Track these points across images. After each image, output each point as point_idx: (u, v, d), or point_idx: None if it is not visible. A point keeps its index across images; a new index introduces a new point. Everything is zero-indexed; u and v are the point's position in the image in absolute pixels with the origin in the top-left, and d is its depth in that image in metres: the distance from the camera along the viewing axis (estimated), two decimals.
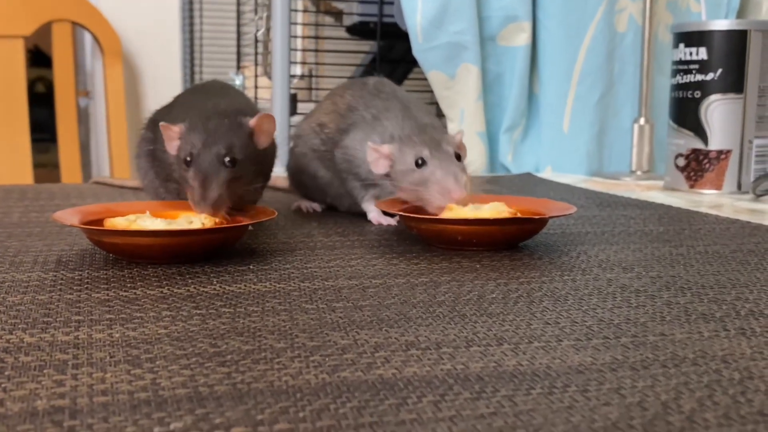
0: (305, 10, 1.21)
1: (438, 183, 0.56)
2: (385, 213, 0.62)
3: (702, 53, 0.86)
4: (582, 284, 0.44)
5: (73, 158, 1.77)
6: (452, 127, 1.07)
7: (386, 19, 1.20)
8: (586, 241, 0.57)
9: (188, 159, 0.52)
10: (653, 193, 0.88)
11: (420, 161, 0.58)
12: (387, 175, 0.60)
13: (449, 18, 1.02)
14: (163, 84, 1.91)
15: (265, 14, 1.21)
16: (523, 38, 1.05)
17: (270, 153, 0.58)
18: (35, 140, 1.67)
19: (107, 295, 0.41)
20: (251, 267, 0.48)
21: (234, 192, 0.51)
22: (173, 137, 0.54)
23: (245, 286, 0.43)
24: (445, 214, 0.53)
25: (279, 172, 0.91)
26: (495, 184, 0.96)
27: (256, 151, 0.54)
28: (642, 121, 1.06)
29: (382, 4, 1.16)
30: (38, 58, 2.55)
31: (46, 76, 2.62)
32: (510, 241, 0.54)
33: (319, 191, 0.70)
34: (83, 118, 1.96)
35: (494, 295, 0.41)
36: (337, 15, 1.29)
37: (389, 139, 0.61)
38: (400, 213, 0.54)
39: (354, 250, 0.53)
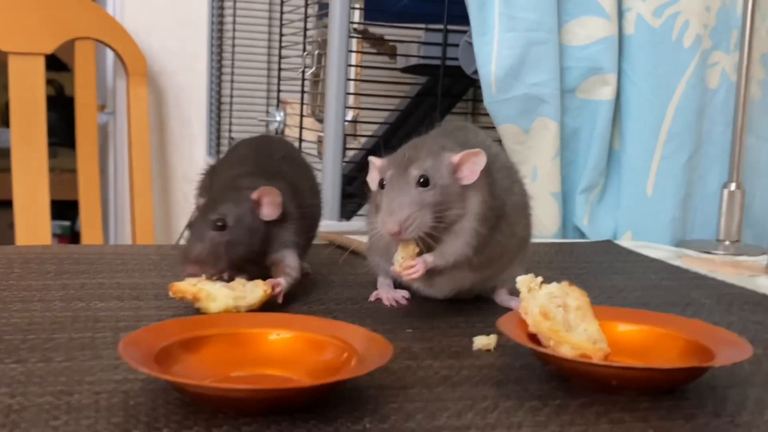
0: (360, 51, 1.11)
1: (380, 213, 0.53)
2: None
3: None
4: None
5: (92, 172, 1.67)
6: None
7: (430, 61, 1.11)
8: (751, 379, 0.47)
9: (189, 224, 0.58)
10: (763, 280, 0.78)
11: (382, 183, 0.54)
12: None
13: (528, 68, 0.92)
14: (188, 105, 1.82)
15: (316, 52, 1.12)
16: (607, 92, 0.96)
17: (288, 224, 0.60)
18: None
19: None
20: (367, 426, 0.38)
21: (229, 256, 0.56)
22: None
23: None
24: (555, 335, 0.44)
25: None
26: (570, 255, 0.87)
27: (259, 222, 0.58)
28: (732, 186, 0.96)
29: (446, 46, 1.07)
30: (49, 60, 2.47)
31: (56, 79, 2.55)
32: (673, 386, 0.44)
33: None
34: (101, 133, 1.87)
35: None
36: (391, 56, 1.19)
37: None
38: (537, 349, 0.44)
39: (480, 389, 0.44)
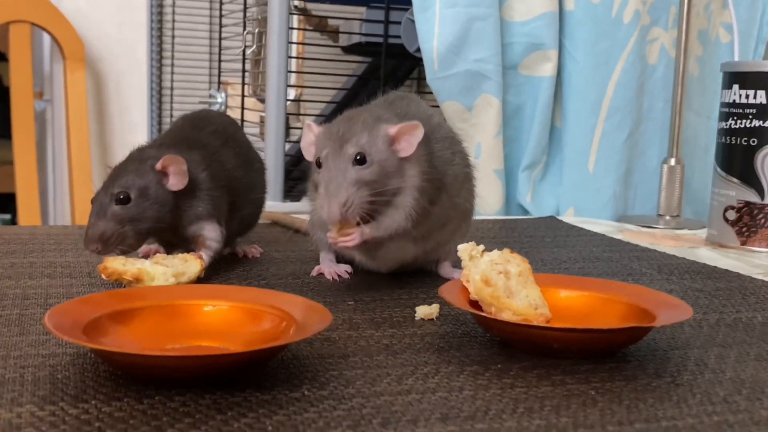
0: (299, 28, 1.10)
1: (319, 198, 0.52)
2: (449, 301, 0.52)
3: (761, 97, 0.78)
4: None
5: (30, 162, 1.62)
6: None
7: (375, 39, 1.09)
8: (692, 342, 0.47)
9: (92, 200, 0.54)
10: (703, 251, 0.79)
11: (318, 162, 0.53)
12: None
13: (470, 45, 0.92)
14: (128, 91, 1.78)
15: (255, 30, 1.10)
16: (548, 68, 0.96)
17: (200, 194, 0.58)
18: None
19: None
20: (305, 393, 0.37)
21: (136, 232, 0.54)
22: None
23: None
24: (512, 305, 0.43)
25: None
26: (513, 231, 0.87)
27: (166, 193, 0.55)
28: (672, 161, 0.97)
29: (388, 24, 1.06)
30: None
31: None
32: (615, 349, 0.44)
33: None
34: (38, 121, 1.82)
35: None
36: (333, 34, 1.18)
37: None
38: (478, 314, 0.44)
39: (421, 356, 0.43)
